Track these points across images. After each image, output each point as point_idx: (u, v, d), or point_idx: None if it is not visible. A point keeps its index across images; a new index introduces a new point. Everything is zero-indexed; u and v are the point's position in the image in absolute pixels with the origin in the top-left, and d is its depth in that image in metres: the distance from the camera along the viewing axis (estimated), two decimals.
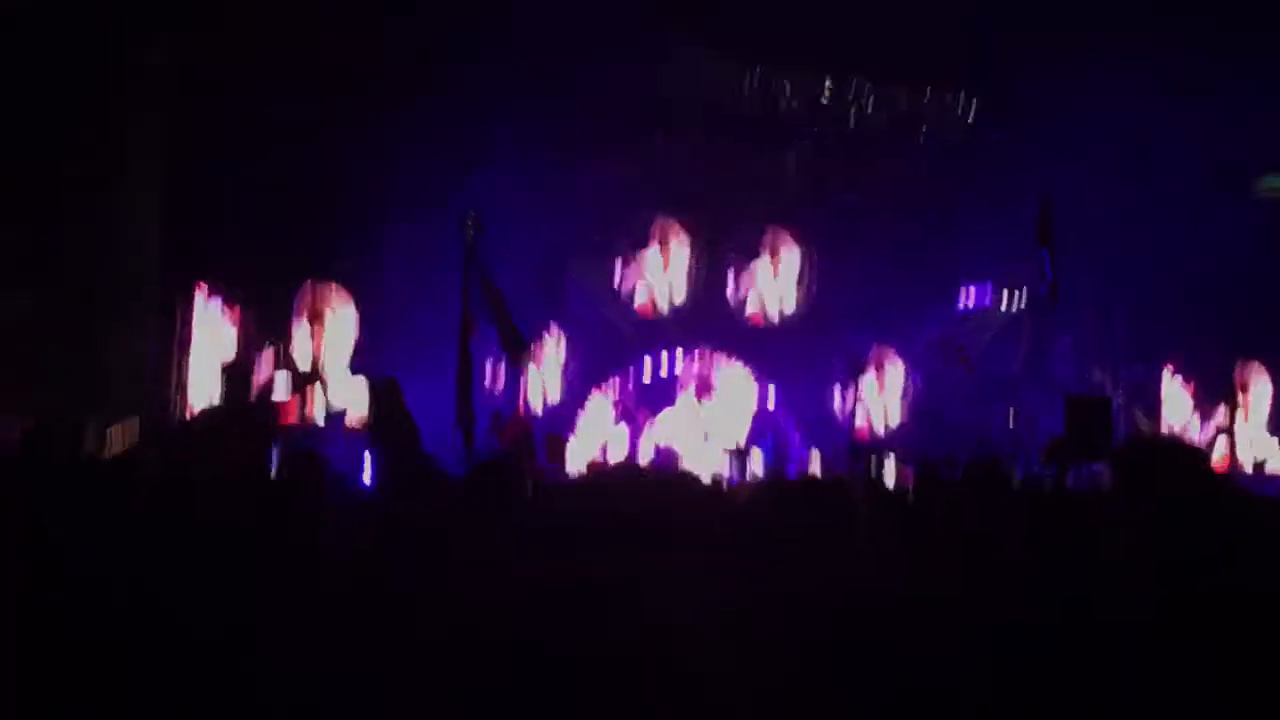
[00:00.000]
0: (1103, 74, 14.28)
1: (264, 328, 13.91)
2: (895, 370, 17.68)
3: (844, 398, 16.77)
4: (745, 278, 17.37)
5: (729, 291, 17.30)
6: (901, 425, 17.48)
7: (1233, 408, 17.35)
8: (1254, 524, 3.10)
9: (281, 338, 13.97)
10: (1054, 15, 14.14)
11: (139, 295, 12.66)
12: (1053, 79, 14.69)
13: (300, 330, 14.24)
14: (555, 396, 16.18)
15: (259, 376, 13.73)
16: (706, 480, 12.36)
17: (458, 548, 3.38)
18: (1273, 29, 13.25)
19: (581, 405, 16.33)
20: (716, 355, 16.85)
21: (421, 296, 13.96)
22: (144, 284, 12.72)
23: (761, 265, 17.35)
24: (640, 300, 16.90)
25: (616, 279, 16.80)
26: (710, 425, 16.48)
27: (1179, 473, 3.12)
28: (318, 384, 14.15)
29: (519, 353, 11.50)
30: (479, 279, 11.10)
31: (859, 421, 16.61)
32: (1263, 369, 16.84)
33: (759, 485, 3.14)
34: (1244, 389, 17.46)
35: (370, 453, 8.49)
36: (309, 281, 14.38)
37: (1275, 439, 16.98)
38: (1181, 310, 15.84)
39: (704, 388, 16.66)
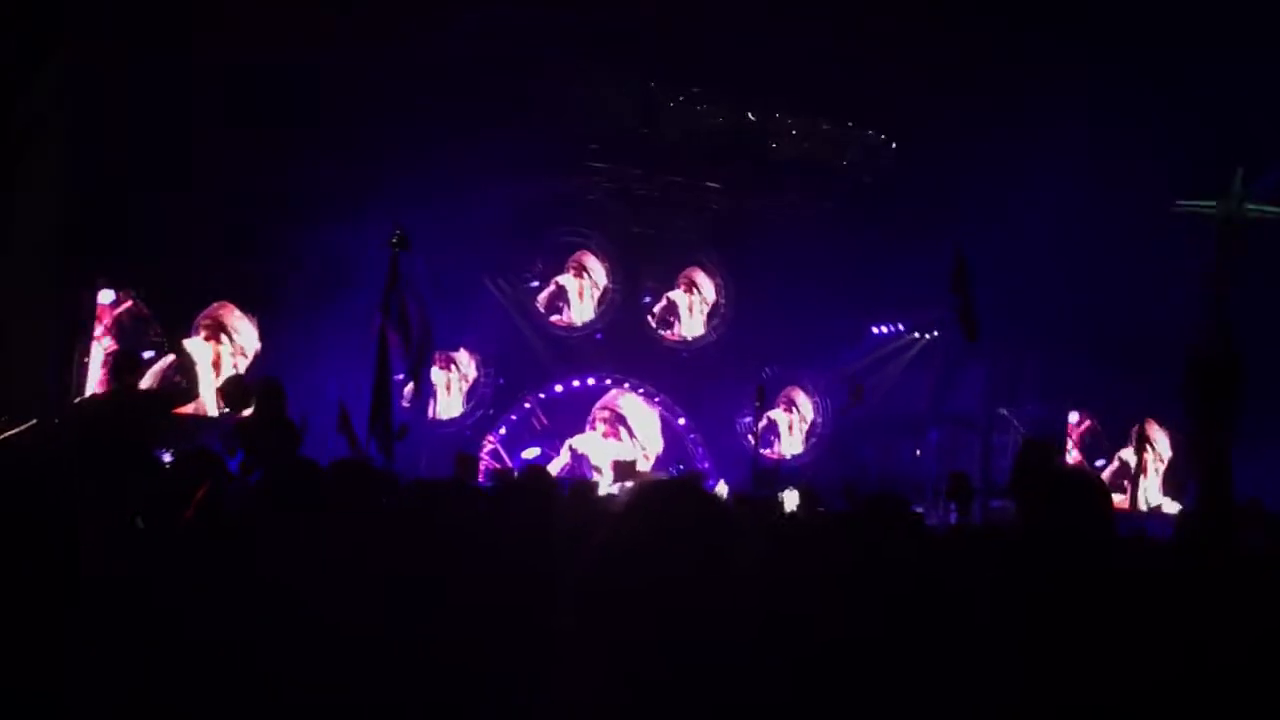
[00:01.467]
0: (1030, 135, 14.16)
1: (165, 330, 13.54)
2: (803, 403, 17.88)
3: (752, 427, 16.88)
4: (661, 307, 17.50)
5: (646, 319, 17.41)
6: (809, 457, 17.59)
7: (1139, 454, 17.59)
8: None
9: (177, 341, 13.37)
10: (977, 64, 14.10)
11: (40, 291, 12.27)
12: (974, 126, 14.62)
13: (197, 341, 13.81)
14: (456, 411, 16.15)
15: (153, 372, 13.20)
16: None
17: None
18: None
19: (495, 419, 16.26)
20: (623, 392, 16.82)
21: (328, 311, 13.50)
22: (44, 280, 12.31)
23: (678, 296, 17.51)
24: (557, 319, 16.90)
25: (535, 299, 16.79)
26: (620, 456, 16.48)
27: (1081, 502, 3.16)
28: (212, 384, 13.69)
29: (419, 377, 11.32)
30: (402, 295, 10.73)
31: (765, 451, 16.94)
32: (1163, 429, 17.09)
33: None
34: (1147, 441, 17.68)
35: (240, 452, 8.35)
36: (215, 303, 14.07)
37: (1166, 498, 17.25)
38: (1091, 359, 16.04)
39: (614, 428, 16.64)
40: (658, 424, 16.94)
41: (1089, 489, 3.26)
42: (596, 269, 17.04)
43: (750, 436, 16.44)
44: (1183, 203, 12.70)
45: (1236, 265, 11.59)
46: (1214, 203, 12.28)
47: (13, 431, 9.27)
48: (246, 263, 14.08)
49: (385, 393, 10.44)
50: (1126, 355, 15.29)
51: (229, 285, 14.20)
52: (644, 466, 16.31)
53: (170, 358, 13.19)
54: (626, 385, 16.91)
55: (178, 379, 12.82)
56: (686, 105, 15.77)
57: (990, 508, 12.16)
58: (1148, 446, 17.62)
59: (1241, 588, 3.19)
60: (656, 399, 17.00)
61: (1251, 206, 11.91)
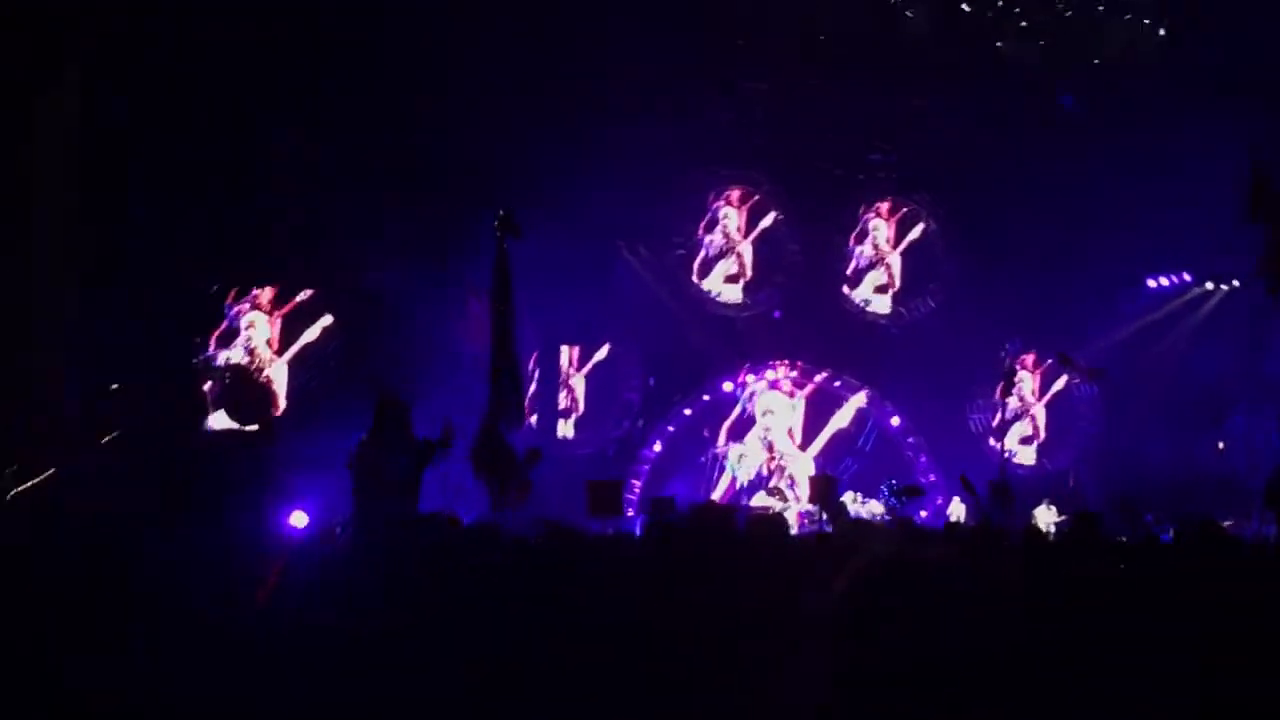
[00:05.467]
0: None
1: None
2: (1060, 386, 15.37)
3: (991, 421, 14.71)
4: (850, 263, 14.91)
5: (841, 287, 14.87)
6: (1071, 458, 15.08)
7: None
8: None
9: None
10: None
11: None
12: None
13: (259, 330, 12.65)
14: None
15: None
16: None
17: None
18: None
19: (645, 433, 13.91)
20: (823, 380, 14.34)
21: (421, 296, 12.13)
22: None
23: (869, 248, 14.94)
24: (720, 296, 14.29)
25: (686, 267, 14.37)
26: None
27: None
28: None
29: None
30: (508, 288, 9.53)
31: (1012, 453, 14.64)
32: None
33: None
34: None
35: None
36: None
37: None
38: None
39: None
40: (798, 418, 14.34)
41: None
42: (759, 213, 14.38)
43: (991, 437, 14.52)
44: None
45: None
46: None
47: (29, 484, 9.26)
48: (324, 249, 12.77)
49: (512, 370, 9.55)
50: None
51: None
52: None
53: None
54: (820, 377, 14.31)
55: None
56: None
57: None
58: None
59: None
60: (865, 392, 14.55)
61: None
